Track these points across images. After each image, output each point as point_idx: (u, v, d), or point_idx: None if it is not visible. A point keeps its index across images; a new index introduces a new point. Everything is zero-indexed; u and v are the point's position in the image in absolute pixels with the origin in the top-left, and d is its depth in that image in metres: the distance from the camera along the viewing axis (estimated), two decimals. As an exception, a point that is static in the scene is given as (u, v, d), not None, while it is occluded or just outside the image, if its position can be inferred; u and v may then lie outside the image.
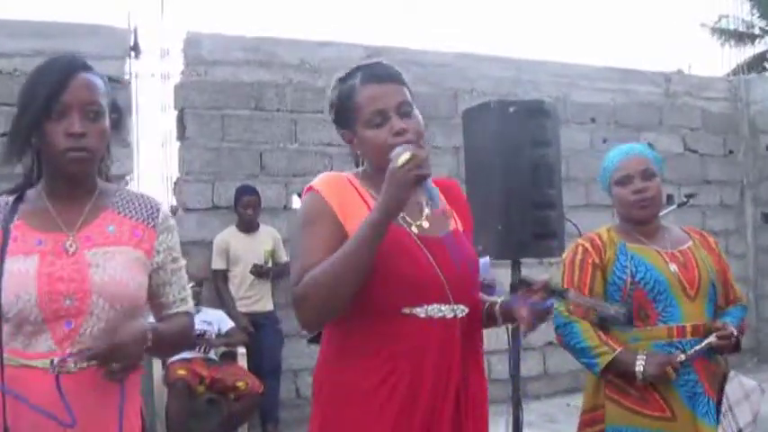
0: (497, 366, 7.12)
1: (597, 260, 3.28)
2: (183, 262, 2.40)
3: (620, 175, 3.32)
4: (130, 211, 2.30)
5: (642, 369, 3.10)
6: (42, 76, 2.18)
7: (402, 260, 2.27)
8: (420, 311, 2.28)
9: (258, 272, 7.21)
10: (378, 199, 2.20)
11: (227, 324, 6.98)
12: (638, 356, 3.12)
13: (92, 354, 2.07)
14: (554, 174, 4.52)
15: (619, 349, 3.16)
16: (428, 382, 2.28)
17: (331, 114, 2.46)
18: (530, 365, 8.30)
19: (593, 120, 9.35)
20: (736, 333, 3.19)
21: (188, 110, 7.59)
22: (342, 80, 2.43)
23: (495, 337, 7.19)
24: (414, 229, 2.35)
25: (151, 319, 2.36)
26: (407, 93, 2.38)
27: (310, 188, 2.38)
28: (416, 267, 2.29)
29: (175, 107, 7.67)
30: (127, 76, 7.29)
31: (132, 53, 7.41)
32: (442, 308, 2.31)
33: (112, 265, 2.17)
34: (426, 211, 2.41)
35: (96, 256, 2.17)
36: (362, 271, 2.18)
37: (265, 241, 7.36)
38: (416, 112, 2.38)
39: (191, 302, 2.43)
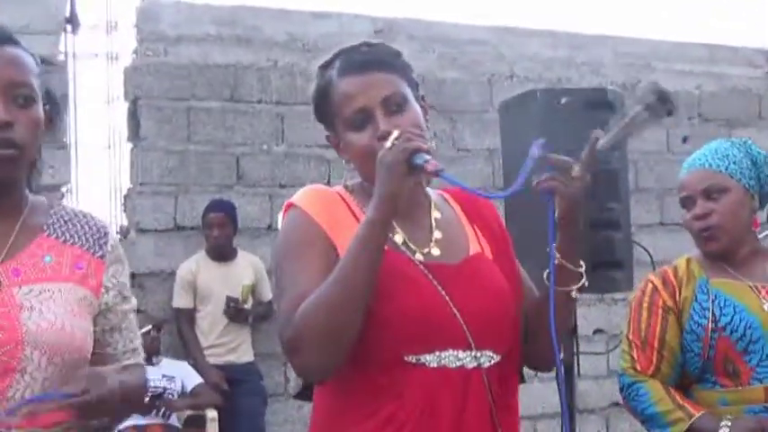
0: (546, 435, 7.12)
1: (670, 302, 3.30)
2: (133, 302, 2.38)
3: (682, 196, 3.37)
4: (72, 236, 2.26)
5: None
6: None
7: (403, 294, 2.27)
8: (430, 360, 2.28)
9: (234, 313, 7.23)
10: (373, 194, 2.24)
11: (194, 380, 7.00)
12: (723, 423, 3.12)
13: (70, 404, 2.02)
14: (619, 184, 4.54)
15: (697, 414, 3.17)
16: None
17: (315, 112, 2.52)
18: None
19: (669, 112, 9.34)
20: None
21: (143, 101, 7.64)
22: (321, 70, 2.48)
23: (541, 399, 7.18)
24: (418, 256, 2.36)
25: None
26: (399, 82, 2.41)
27: (291, 205, 2.41)
28: (422, 303, 2.29)
29: (126, 97, 7.72)
30: (61, 57, 7.34)
31: (68, 26, 7.47)
32: (460, 355, 2.31)
33: (51, 308, 2.12)
34: (436, 234, 2.42)
35: (29, 296, 2.12)
36: (366, 291, 2.19)
37: (243, 273, 7.38)
38: (413, 105, 2.40)
39: (142, 354, 2.41)
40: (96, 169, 7.96)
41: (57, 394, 2.05)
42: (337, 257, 2.28)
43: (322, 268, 2.26)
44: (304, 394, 2.53)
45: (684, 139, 9.13)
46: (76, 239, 2.26)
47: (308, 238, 2.33)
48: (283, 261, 2.35)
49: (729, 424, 3.11)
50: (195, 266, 7.34)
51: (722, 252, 3.32)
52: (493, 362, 2.35)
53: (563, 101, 4.46)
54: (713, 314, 3.21)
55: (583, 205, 2.38)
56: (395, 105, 2.36)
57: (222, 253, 7.37)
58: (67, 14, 7.45)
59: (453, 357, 2.29)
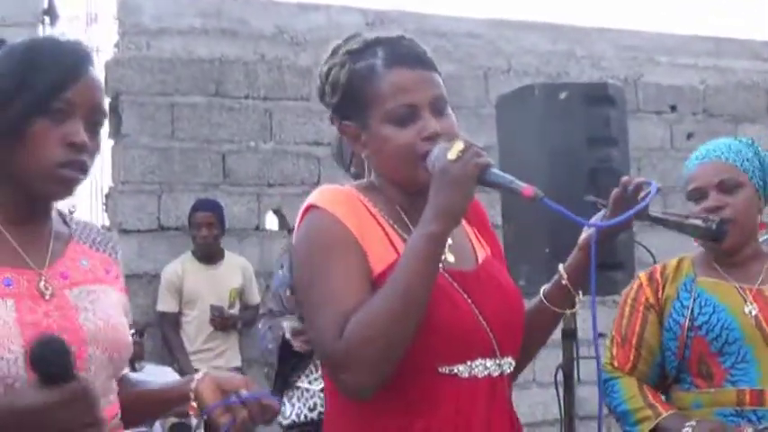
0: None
1: (652, 299, 3.34)
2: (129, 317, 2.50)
3: (692, 188, 3.35)
4: (94, 242, 2.36)
5: None
6: (42, 57, 2.19)
7: (436, 304, 2.26)
8: (463, 370, 2.31)
9: (219, 322, 7.23)
10: (428, 205, 2.22)
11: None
12: (687, 424, 3.15)
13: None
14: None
15: (664, 414, 3.21)
16: None
17: (332, 98, 2.45)
18: (590, 443, 8.30)
19: (673, 108, 9.38)
20: None
21: (124, 96, 7.65)
22: (353, 55, 2.42)
23: (542, 405, 7.18)
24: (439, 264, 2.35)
25: None
26: (441, 82, 2.42)
27: (313, 207, 2.36)
28: (454, 313, 2.30)
29: (107, 93, 7.71)
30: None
31: (46, 19, 7.47)
32: (488, 363, 2.34)
33: (102, 308, 2.22)
34: (449, 240, 2.38)
35: (80, 297, 2.20)
36: (424, 306, 2.20)
37: (231, 276, 7.39)
38: (450, 109, 2.41)
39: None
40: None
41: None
42: (368, 264, 2.28)
43: (363, 277, 2.26)
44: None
45: (689, 136, 9.14)
46: (99, 245, 2.37)
47: (339, 244, 2.30)
48: (315, 269, 2.30)
49: (693, 424, 3.14)
50: (181, 269, 7.35)
51: (734, 249, 3.32)
52: (512, 368, 2.41)
53: (562, 96, 4.47)
54: (692, 313, 3.24)
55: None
56: (440, 107, 2.37)
57: (209, 254, 7.38)
58: (45, 6, 7.45)
59: (482, 366, 2.33)
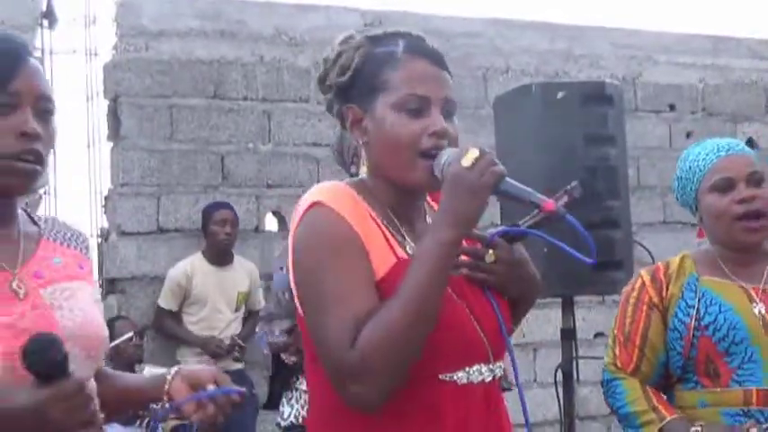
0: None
1: (656, 299, 3.31)
2: None
3: (718, 178, 3.29)
4: (65, 239, 2.36)
5: None
6: None
7: (440, 310, 2.24)
8: (461, 377, 2.29)
9: (219, 353, 7.24)
10: (440, 210, 2.20)
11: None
12: (693, 429, 3.15)
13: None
14: (619, 181, 4.55)
15: (669, 418, 3.20)
16: None
17: (340, 78, 2.40)
18: (590, 442, 8.31)
19: (672, 107, 9.39)
20: None
21: (123, 98, 7.64)
22: (373, 40, 2.41)
23: (542, 405, 7.19)
24: None
25: None
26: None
27: (317, 203, 2.30)
28: (454, 319, 2.29)
29: (106, 95, 7.72)
30: (38, 53, 7.33)
31: (45, 21, 7.47)
32: (483, 369, 2.33)
33: (77, 305, 2.22)
34: None
35: (54, 296, 2.21)
36: (437, 313, 2.18)
37: (240, 279, 7.38)
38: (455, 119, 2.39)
39: None
40: (75, 170, 7.96)
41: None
42: (371, 265, 2.24)
43: (370, 281, 2.22)
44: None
45: (688, 135, 9.15)
46: (70, 242, 2.37)
47: (347, 244, 2.25)
48: (319, 269, 2.24)
49: (699, 429, 3.14)
50: (190, 269, 7.33)
51: (759, 243, 3.31)
52: (501, 371, 2.38)
53: (560, 95, 4.48)
54: (697, 312, 3.23)
55: (513, 282, 2.43)
56: (449, 110, 2.34)
57: (223, 255, 7.38)
58: (44, 9, 7.45)
59: (478, 372, 2.31)
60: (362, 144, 2.40)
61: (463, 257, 2.36)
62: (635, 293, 3.36)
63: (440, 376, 2.26)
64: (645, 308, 3.32)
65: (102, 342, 2.27)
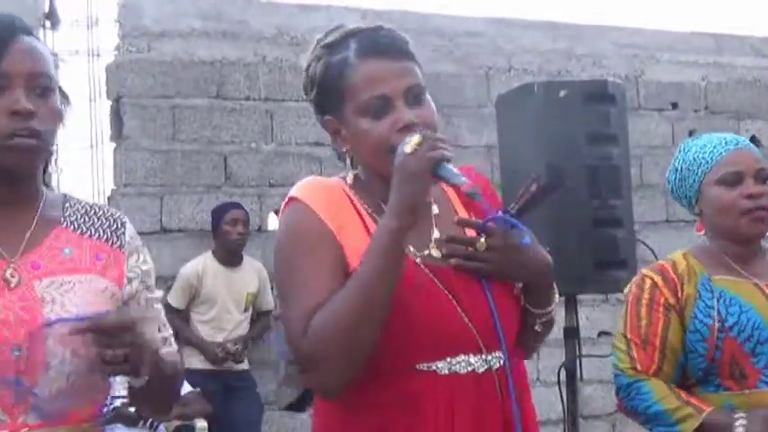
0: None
1: (672, 300, 3.24)
2: (159, 293, 2.44)
3: (726, 171, 3.25)
4: (89, 228, 2.31)
5: None
6: None
7: (412, 300, 2.27)
8: (442, 367, 2.29)
9: (225, 357, 7.24)
10: (389, 198, 2.22)
11: (183, 388, 7.00)
12: (737, 417, 3.08)
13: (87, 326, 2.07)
14: (621, 179, 4.55)
15: (707, 410, 3.12)
16: None
17: (310, 94, 2.45)
18: (594, 441, 8.31)
19: (674, 105, 9.38)
20: None
21: (126, 99, 7.65)
22: (329, 48, 2.41)
23: (546, 404, 7.19)
24: (417, 259, 2.34)
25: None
26: (419, 72, 2.39)
27: (293, 199, 2.37)
28: (433, 309, 2.29)
29: (108, 96, 7.73)
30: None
31: (47, 23, 7.47)
32: (471, 359, 2.32)
33: (73, 300, 2.17)
34: (436, 233, 2.40)
35: (50, 289, 2.17)
36: (387, 302, 2.19)
37: (250, 280, 7.40)
38: (429, 98, 2.39)
39: (175, 345, 2.45)
40: (79, 170, 7.97)
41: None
42: (344, 258, 2.28)
43: (333, 272, 2.25)
44: (294, 406, 2.53)
45: (690, 133, 9.13)
46: (93, 231, 2.32)
47: (314, 238, 2.30)
48: (288, 262, 2.33)
49: (745, 416, 3.06)
50: (201, 269, 7.35)
51: (761, 237, 3.29)
52: (502, 362, 2.35)
53: (562, 94, 4.47)
54: (719, 313, 3.18)
55: (512, 269, 2.40)
56: (415, 97, 2.34)
57: (235, 255, 7.40)
58: (46, 9, 7.45)
59: (464, 363, 2.31)
60: (346, 152, 2.43)
61: (456, 247, 2.37)
62: (646, 295, 3.27)
63: (417, 366, 2.28)
64: (662, 309, 3.23)
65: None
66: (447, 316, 2.30)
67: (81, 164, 7.98)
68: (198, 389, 7.03)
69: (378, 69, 2.33)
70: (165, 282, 7.43)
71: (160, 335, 2.38)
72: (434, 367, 2.28)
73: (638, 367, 3.24)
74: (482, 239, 2.37)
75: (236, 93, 7.91)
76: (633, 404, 3.25)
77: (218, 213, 7.40)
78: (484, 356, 2.33)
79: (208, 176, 7.77)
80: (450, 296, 2.32)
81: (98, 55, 7.86)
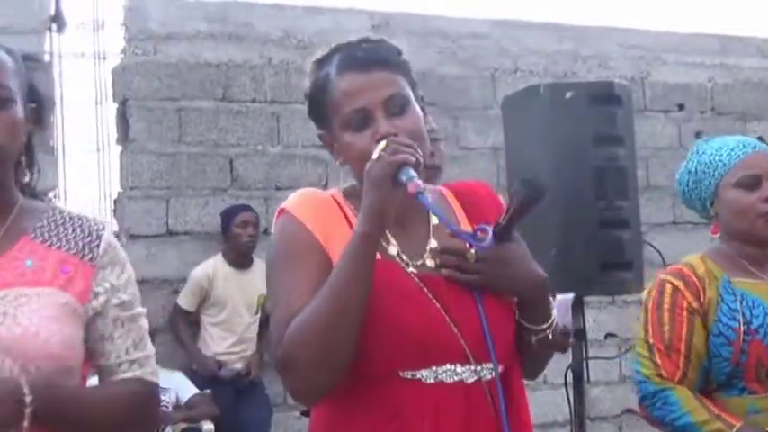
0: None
1: (695, 304, 3.21)
2: (139, 310, 2.34)
3: (744, 174, 3.26)
4: (59, 239, 2.25)
5: None
6: None
7: (397, 309, 2.26)
8: (427, 375, 2.29)
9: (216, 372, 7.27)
10: (360, 210, 2.24)
11: (189, 391, 7.00)
12: None
13: None
14: (628, 181, 4.54)
15: (737, 425, 3.09)
16: None
17: (307, 109, 2.50)
18: (601, 443, 8.30)
19: (681, 107, 9.37)
20: None
21: (132, 102, 7.65)
22: (317, 64, 2.45)
23: (552, 406, 7.17)
24: (411, 269, 2.34)
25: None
26: (401, 82, 2.39)
27: (283, 211, 2.41)
28: (417, 318, 2.28)
29: (114, 98, 7.73)
30: (46, 57, 7.33)
31: (53, 25, 7.47)
32: (458, 369, 2.31)
33: (26, 314, 2.10)
34: (432, 243, 2.40)
35: (4, 301, 2.11)
36: (358, 307, 2.19)
37: (260, 282, 7.37)
38: (414, 107, 2.39)
39: (149, 367, 2.33)
40: (85, 173, 7.97)
41: None
42: (331, 268, 2.27)
43: (315, 281, 2.26)
44: (308, 412, 2.53)
45: (697, 134, 9.12)
46: (63, 243, 2.25)
47: (300, 249, 2.33)
48: (275, 273, 2.37)
49: None
50: (212, 271, 7.36)
51: None
52: (493, 374, 2.33)
53: (568, 96, 4.47)
54: (743, 316, 3.16)
55: (501, 282, 2.37)
56: (396, 107, 2.35)
57: (245, 257, 7.42)
58: (52, 12, 7.45)
59: (451, 372, 2.29)
60: (340, 164, 2.47)
61: (448, 257, 2.37)
62: (667, 299, 3.24)
63: (400, 374, 2.27)
64: (685, 313, 3.20)
65: (43, 358, 2.10)
66: (433, 325, 2.29)
67: (87, 167, 7.96)
68: (209, 390, 7.04)
69: (353, 83, 2.36)
70: (171, 284, 7.45)
71: (126, 357, 2.28)
72: (419, 375, 2.28)
73: (663, 374, 3.20)
74: (471, 251, 2.35)
75: (242, 95, 7.91)
76: (660, 414, 3.20)
77: (228, 216, 7.42)
78: (473, 367, 2.31)
79: (214, 179, 7.77)
80: (439, 305, 2.31)
81: (104, 58, 7.84)
